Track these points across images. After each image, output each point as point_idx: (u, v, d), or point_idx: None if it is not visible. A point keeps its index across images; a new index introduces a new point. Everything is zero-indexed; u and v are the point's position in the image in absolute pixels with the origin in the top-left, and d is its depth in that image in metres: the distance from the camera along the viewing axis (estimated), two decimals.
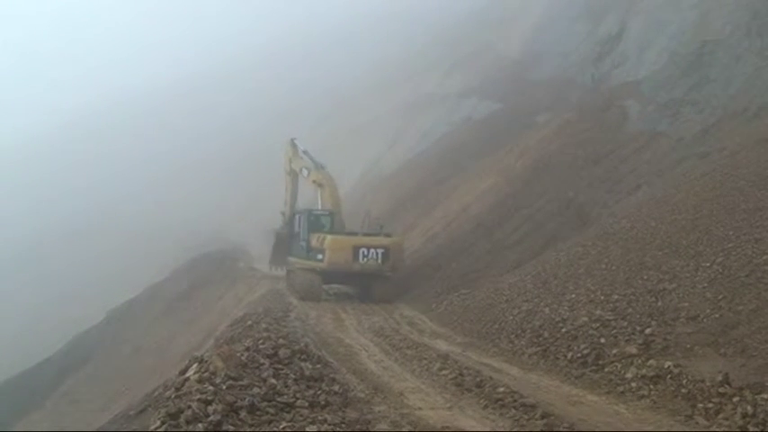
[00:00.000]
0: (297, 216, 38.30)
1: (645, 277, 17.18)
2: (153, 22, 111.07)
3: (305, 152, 39.27)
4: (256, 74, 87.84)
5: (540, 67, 48.96)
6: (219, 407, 10.07)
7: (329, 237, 33.94)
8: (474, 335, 19.99)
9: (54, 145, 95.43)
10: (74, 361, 45.72)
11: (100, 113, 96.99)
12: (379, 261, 32.72)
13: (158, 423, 9.72)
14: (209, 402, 10.29)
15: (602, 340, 14.92)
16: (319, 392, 12.11)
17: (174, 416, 9.77)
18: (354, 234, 35.07)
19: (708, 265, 16.08)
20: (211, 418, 9.65)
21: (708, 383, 11.70)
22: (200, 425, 9.38)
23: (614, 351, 14.22)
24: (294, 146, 39.84)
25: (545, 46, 50.29)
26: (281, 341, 15.64)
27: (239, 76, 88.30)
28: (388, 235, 34.98)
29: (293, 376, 12.91)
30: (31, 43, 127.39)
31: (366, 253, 32.70)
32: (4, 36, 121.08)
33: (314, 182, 38.07)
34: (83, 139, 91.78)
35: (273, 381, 12.25)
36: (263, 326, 19.73)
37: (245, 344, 15.31)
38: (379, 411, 11.70)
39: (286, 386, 12.14)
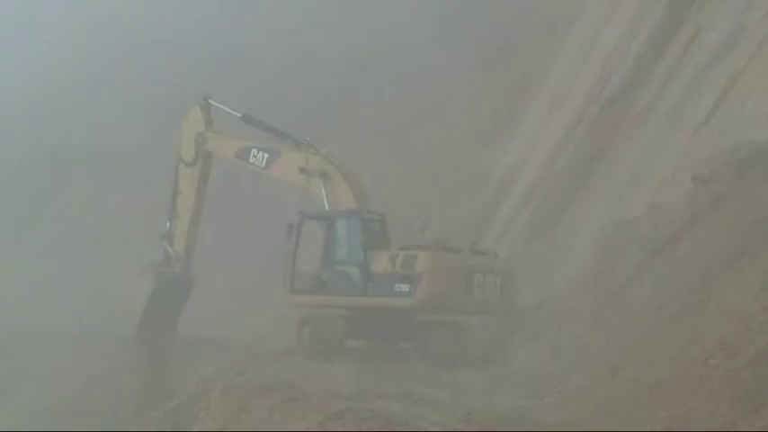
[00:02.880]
0: (329, 222, 26.74)
1: None
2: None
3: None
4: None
5: None
6: None
7: (425, 254, 24.63)
8: None
9: None
10: None
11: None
12: (498, 294, 24.75)
13: None
14: None
15: None
16: None
17: None
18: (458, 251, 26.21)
19: None
20: None
21: None
22: None
23: None
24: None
25: None
26: None
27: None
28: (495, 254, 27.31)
29: None
30: None
31: (482, 281, 24.37)
32: None
33: (301, 171, 27.34)
34: None
35: None
36: None
37: None
38: None
39: None
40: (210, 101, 30.99)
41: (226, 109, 31.06)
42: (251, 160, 29.15)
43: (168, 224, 32.08)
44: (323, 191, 27.06)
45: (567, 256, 28.90)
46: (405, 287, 24.33)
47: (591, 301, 21.40)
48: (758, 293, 14.72)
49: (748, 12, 27.92)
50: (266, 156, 28.53)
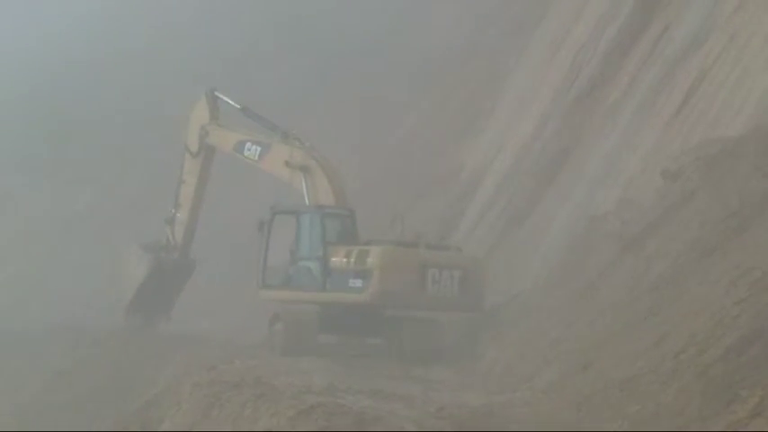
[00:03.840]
0: (296, 217, 26.55)
1: None
2: None
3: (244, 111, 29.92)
4: None
5: None
6: None
7: (376, 249, 24.36)
8: None
9: None
10: None
11: None
12: (456, 289, 24.00)
13: None
14: None
15: None
16: None
17: None
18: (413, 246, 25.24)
19: None
20: None
21: None
22: None
23: None
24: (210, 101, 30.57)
25: None
26: None
27: None
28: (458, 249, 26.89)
29: None
30: None
31: (438, 276, 23.65)
32: None
33: (287, 164, 27.28)
34: None
35: None
36: None
37: None
38: None
39: None
40: (216, 93, 31.08)
41: (229, 101, 31.07)
42: (245, 154, 29.03)
43: (173, 211, 32.24)
44: (303, 185, 26.88)
45: (537, 251, 28.89)
46: (358, 282, 24.13)
47: (562, 297, 21.41)
48: (728, 288, 14.74)
49: (717, 7, 28.05)
50: (258, 149, 28.42)
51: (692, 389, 11.97)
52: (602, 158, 30.12)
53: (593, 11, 39.07)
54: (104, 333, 34.95)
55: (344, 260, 24.89)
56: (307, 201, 26.91)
